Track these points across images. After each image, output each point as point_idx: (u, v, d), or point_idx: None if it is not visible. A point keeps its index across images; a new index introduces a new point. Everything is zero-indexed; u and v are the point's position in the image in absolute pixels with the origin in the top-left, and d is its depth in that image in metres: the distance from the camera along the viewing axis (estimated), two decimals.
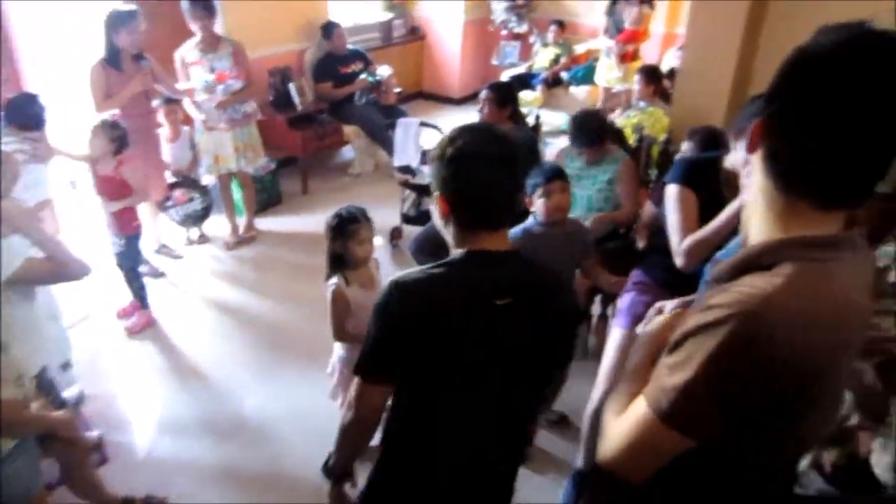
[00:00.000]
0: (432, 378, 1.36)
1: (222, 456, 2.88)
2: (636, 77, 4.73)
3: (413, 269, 1.36)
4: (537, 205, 2.51)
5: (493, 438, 1.45)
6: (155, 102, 4.11)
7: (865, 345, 1.22)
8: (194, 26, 4.02)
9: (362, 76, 5.52)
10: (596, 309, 3.48)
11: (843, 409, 1.29)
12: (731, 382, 0.85)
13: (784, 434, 0.94)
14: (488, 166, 1.31)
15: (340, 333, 2.53)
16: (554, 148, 4.55)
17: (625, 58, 5.97)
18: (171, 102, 4.20)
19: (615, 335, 2.44)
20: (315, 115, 5.55)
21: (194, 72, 4.12)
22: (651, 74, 4.61)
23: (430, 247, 3.69)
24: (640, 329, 1.93)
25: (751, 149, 0.95)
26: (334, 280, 2.50)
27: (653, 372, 0.96)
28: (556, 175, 2.52)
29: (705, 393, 0.87)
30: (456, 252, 1.37)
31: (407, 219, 4.46)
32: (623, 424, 0.98)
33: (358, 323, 2.48)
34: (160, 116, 4.20)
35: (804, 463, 1.42)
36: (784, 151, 0.91)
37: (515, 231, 2.57)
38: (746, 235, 1.00)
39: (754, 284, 0.87)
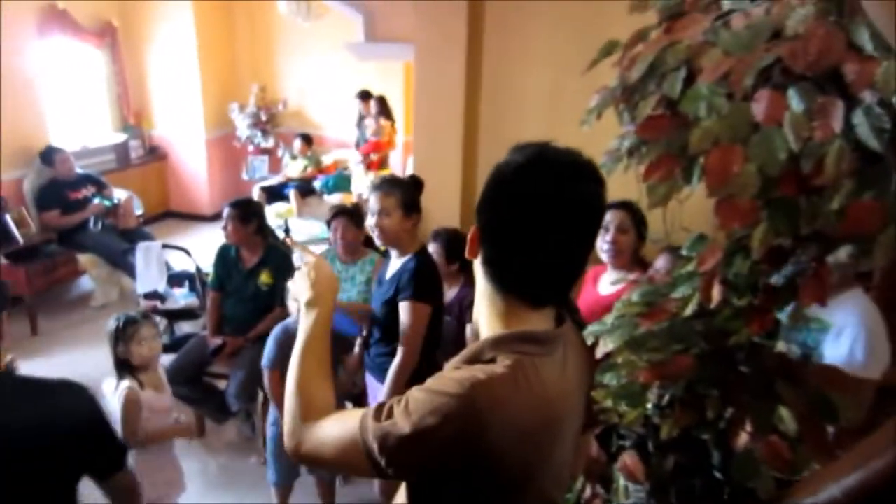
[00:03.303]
0: None
1: None
2: None
3: None
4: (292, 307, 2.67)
5: None
6: None
7: (588, 419, 1.35)
8: None
9: (96, 201, 5.12)
10: None
11: (577, 482, 1.40)
12: (438, 451, 0.91)
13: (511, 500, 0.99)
14: None
15: (133, 438, 2.35)
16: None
17: (371, 167, 6.32)
18: None
19: None
20: (41, 246, 4.99)
21: None
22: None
23: (186, 376, 3.41)
24: None
25: (470, 254, 1.04)
26: (126, 384, 2.35)
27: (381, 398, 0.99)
28: None
29: (411, 451, 0.91)
30: None
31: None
32: (332, 432, 1.02)
33: (153, 428, 2.40)
34: None
35: None
36: (495, 258, 1.01)
37: (276, 329, 2.67)
38: (476, 330, 1.08)
39: (481, 370, 0.95)
